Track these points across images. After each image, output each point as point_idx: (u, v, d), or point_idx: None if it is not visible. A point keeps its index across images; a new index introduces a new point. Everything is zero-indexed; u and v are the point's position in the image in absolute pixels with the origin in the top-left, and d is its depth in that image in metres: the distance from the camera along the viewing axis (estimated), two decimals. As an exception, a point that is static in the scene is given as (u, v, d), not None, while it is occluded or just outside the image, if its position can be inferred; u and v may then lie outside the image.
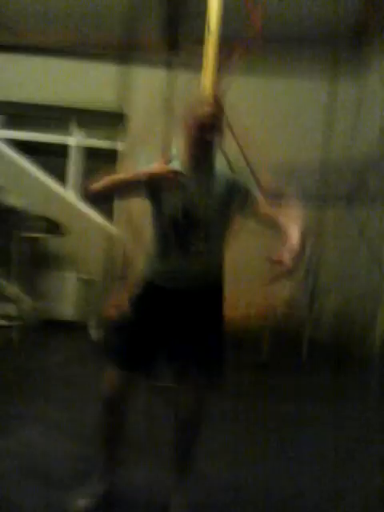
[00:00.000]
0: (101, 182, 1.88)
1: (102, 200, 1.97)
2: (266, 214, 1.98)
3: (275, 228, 1.94)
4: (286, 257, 1.74)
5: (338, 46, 5.15)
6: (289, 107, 5.51)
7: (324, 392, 3.89)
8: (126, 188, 1.95)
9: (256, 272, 5.18)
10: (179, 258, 1.97)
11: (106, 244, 5.50)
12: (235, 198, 2.00)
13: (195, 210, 1.95)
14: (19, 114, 5.98)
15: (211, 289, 2.06)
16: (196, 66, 4.75)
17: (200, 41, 4.09)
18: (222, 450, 2.84)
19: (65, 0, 5.14)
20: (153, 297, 2.05)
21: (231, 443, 2.96)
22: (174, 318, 2.02)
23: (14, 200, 4.79)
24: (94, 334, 4.90)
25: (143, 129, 5.41)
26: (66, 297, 5.40)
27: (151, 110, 5.41)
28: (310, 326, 4.69)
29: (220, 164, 2.06)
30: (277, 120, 5.50)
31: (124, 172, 1.94)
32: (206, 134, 1.91)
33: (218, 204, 1.97)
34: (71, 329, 5.27)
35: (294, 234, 1.83)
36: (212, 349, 2.07)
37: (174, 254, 1.97)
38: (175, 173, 1.83)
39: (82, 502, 2.12)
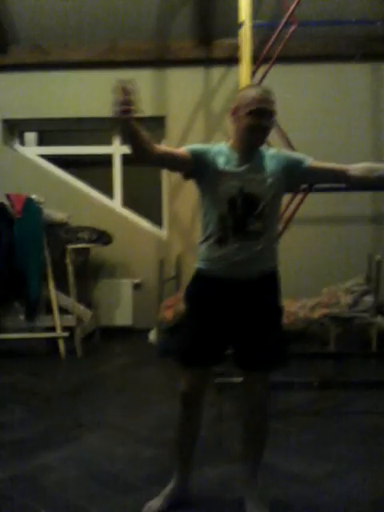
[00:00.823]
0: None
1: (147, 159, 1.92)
2: (325, 166, 2.02)
3: (342, 175, 2.02)
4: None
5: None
6: (329, 93, 5.36)
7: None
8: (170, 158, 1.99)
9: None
10: (237, 240, 1.95)
11: (156, 248, 5.52)
12: (286, 169, 2.00)
13: (252, 189, 1.95)
14: (59, 129, 6.09)
15: (269, 271, 2.03)
16: (231, 59, 4.71)
17: (234, 34, 4.05)
18: (297, 443, 2.79)
19: (91, 11, 5.15)
20: (210, 287, 2.02)
21: (307, 436, 2.89)
22: (234, 305, 1.99)
23: (59, 214, 4.90)
24: (152, 337, 4.92)
25: (183, 128, 5.41)
26: (121, 303, 5.44)
27: (190, 108, 5.40)
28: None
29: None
30: (316, 107, 5.37)
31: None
32: (262, 119, 1.92)
33: (272, 180, 1.98)
34: (129, 334, 5.32)
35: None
36: (274, 334, 2.04)
37: (232, 235, 1.95)
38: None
39: (155, 504, 2.10)
